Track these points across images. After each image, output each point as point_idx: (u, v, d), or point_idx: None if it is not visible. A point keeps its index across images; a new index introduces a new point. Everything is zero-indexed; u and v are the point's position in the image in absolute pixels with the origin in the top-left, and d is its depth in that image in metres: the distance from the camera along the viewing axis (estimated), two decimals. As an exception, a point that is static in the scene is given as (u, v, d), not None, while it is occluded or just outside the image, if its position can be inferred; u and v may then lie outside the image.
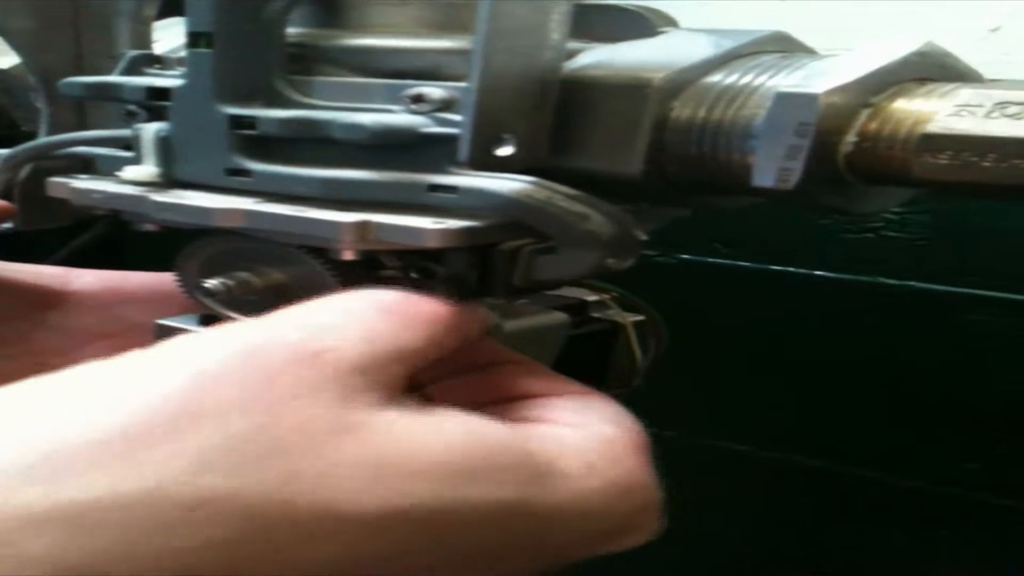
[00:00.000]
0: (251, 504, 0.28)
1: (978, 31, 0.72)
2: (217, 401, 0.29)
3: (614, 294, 0.49)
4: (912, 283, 0.79)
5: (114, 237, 0.91)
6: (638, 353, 0.49)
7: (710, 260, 0.86)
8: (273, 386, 0.30)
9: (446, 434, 0.31)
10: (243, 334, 0.32)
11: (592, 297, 0.49)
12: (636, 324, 0.49)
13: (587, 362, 0.47)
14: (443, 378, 0.38)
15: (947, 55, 0.36)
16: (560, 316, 0.47)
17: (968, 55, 0.38)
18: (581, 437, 0.35)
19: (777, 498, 0.87)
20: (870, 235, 0.80)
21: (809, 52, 0.40)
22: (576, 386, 0.38)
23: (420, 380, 0.35)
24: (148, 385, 0.30)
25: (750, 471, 0.87)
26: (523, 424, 0.35)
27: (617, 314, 0.49)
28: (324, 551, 0.29)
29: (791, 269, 0.83)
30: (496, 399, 0.37)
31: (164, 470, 0.28)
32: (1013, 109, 0.33)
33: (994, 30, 0.72)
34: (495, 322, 0.44)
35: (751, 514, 0.88)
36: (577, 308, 0.48)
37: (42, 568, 0.26)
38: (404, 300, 0.35)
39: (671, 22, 0.42)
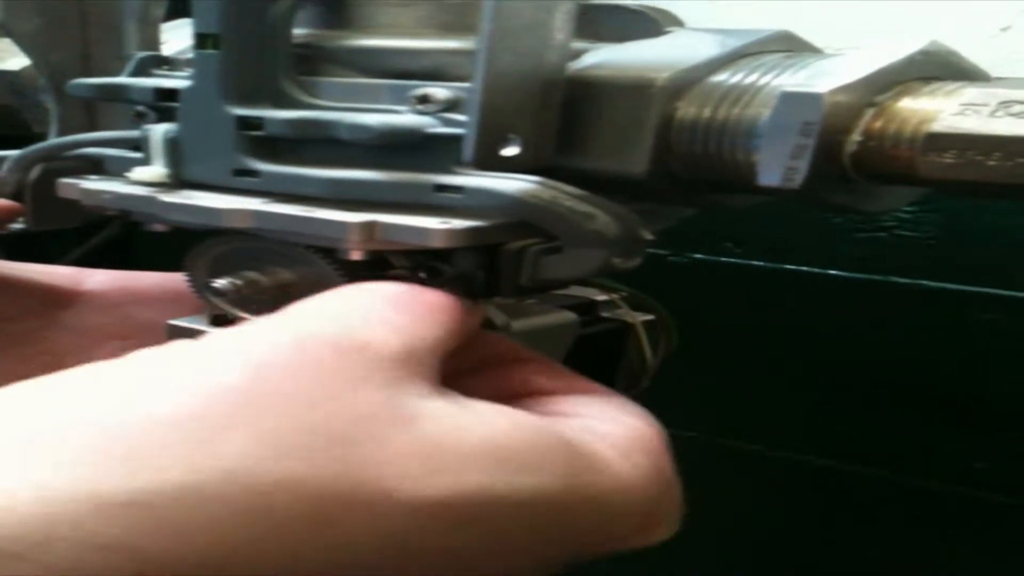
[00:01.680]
0: (322, 490, 0.28)
1: (989, 30, 0.72)
2: (279, 391, 0.30)
3: (624, 293, 0.49)
4: (924, 282, 0.79)
5: (126, 237, 0.92)
6: (648, 352, 0.49)
7: (722, 260, 0.86)
8: (328, 378, 0.30)
9: (492, 424, 0.32)
10: (287, 326, 0.33)
11: (602, 297, 0.49)
12: (646, 323, 0.49)
13: (597, 362, 0.48)
14: (458, 375, 0.38)
15: (952, 54, 0.36)
16: (569, 315, 0.47)
17: (979, 54, 0.37)
18: (612, 429, 0.35)
19: (787, 497, 0.87)
20: (882, 234, 0.80)
21: (814, 51, 0.40)
22: (592, 384, 0.39)
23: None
24: (210, 375, 0.30)
25: (760, 470, 0.87)
26: (556, 416, 0.36)
27: (627, 313, 0.49)
28: (385, 537, 0.29)
29: (803, 268, 0.83)
30: (514, 395, 0.38)
31: (238, 455, 0.28)
32: (1018, 108, 0.33)
33: (1005, 29, 0.72)
34: (504, 322, 0.44)
35: (760, 512, 0.88)
36: (587, 308, 0.48)
37: (116, 555, 0.26)
38: (408, 292, 0.36)
39: (677, 22, 0.42)
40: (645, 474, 0.34)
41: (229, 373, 0.30)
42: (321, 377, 0.30)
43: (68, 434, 0.28)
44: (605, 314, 0.49)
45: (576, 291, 0.48)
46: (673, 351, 0.50)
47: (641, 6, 0.42)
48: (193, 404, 0.29)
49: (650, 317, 0.50)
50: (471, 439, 0.31)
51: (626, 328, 0.49)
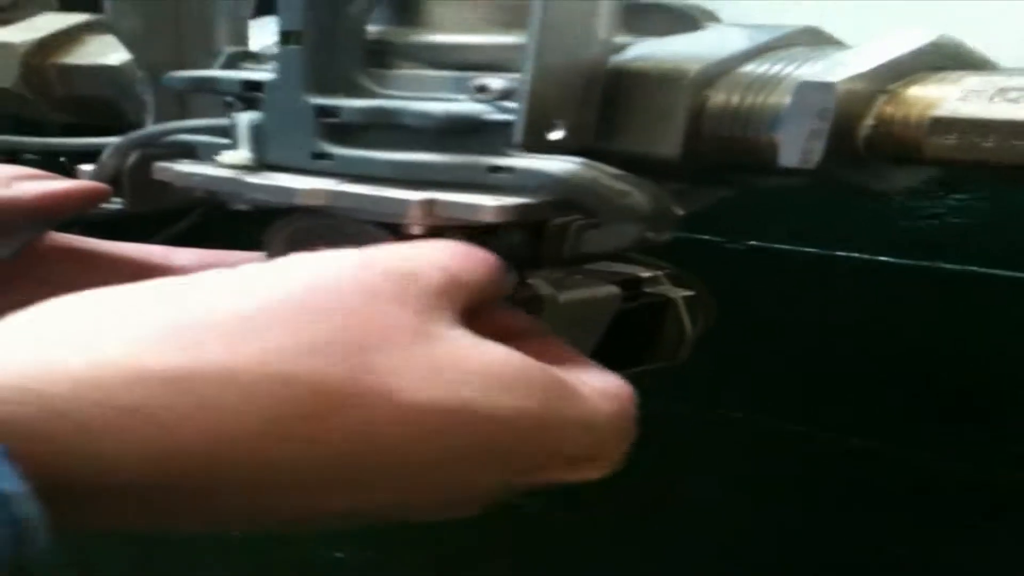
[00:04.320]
0: (335, 385, 0.33)
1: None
2: (326, 304, 0.34)
3: (667, 271, 0.53)
4: (973, 268, 0.79)
5: (203, 226, 0.95)
6: (688, 326, 0.52)
7: (775, 246, 0.87)
8: (372, 296, 0.35)
9: (494, 353, 0.36)
10: (351, 256, 0.37)
11: (646, 273, 0.52)
12: (686, 298, 0.52)
13: (638, 333, 0.51)
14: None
15: (960, 46, 0.40)
16: (611, 289, 0.49)
17: (1012, 53, 0.40)
18: (595, 380, 0.40)
19: (832, 481, 0.87)
20: (934, 221, 0.80)
21: (837, 44, 0.43)
22: (589, 360, 0.43)
23: None
24: (272, 285, 0.35)
25: (805, 453, 0.87)
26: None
27: (668, 289, 0.52)
28: (381, 433, 0.34)
29: (855, 255, 0.83)
30: None
31: (274, 348, 0.32)
32: (1014, 94, 0.36)
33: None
34: (550, 293, 0.48)
35: (800, 497, 0.88)
36: (631, 283, 0.52)
37: (131, 417, 0.30)
38: (462, 245, 0.40)
39: (714, 18, 0.46)
40: (613, 410, 0.39)
41: (289, 284, 0.35)
42: (366, 295, 0.35)
43: (132, 322, 0.32)
44: (648, 289, 0.52)
45: (622, 268, 0.52)
46: (712, 326, 0.53)
47: (683, 4, 0.46)
48: (248, 305, 0.33)
49: (691, 293, 0.53)
50: (472, 363, 0.35)
51: (666, 302, 0.52)
